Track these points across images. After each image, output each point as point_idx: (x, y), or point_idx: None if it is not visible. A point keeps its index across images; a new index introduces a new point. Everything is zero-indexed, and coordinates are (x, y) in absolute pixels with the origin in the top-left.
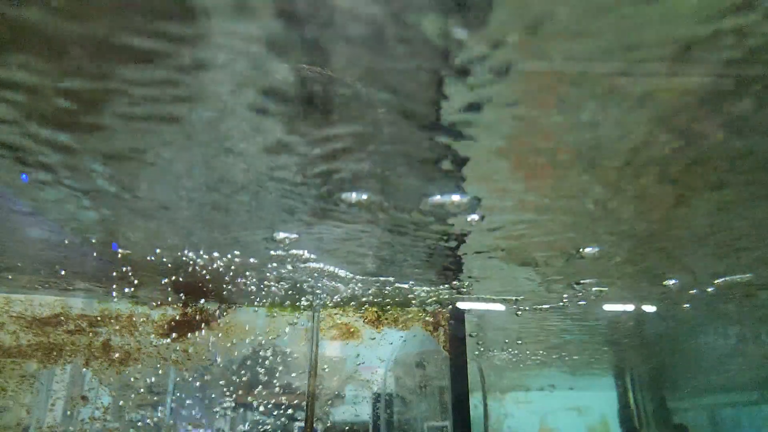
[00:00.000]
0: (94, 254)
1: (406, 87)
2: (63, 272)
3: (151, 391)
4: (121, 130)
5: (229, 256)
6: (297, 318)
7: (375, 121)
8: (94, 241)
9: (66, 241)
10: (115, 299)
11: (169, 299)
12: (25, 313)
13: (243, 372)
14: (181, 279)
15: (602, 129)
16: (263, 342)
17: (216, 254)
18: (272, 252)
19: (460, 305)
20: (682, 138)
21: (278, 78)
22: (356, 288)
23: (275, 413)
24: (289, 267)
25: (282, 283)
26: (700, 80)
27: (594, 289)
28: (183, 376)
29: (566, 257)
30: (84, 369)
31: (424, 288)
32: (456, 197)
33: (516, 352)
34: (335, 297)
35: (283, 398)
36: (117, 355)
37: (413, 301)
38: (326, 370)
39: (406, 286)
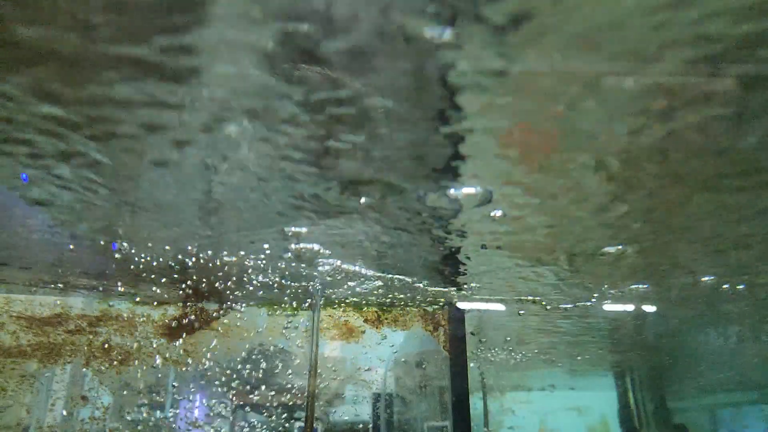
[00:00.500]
0: (95, 254)
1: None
2: (63, 272)
3: (150, 390)
4: (126, 121)
5: (225, 253)
6: (297, 317)
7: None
8: (94, 240)
9: (67, 241)
10: (115, 299)
11: (170, 299)
12: (25, 313)
13: (243, 372)
14: (181, 278)
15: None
16: (263, 342)
17: (216, 252)
18: (275, 250)
19: (460, 305)
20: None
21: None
22: (361, 285)
23: (275, 413)
24: (292, 262)
25: (284, 280)
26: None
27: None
28: (183, 376)
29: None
30: (84, 369)
31: (430, 289)
32: (466, 190)
33: (517, 351)
34: (337, 291)
35: (284, 398)
36: (117, 355)
37: (417, 297)
38: (333, 369)
39: (409, 279)
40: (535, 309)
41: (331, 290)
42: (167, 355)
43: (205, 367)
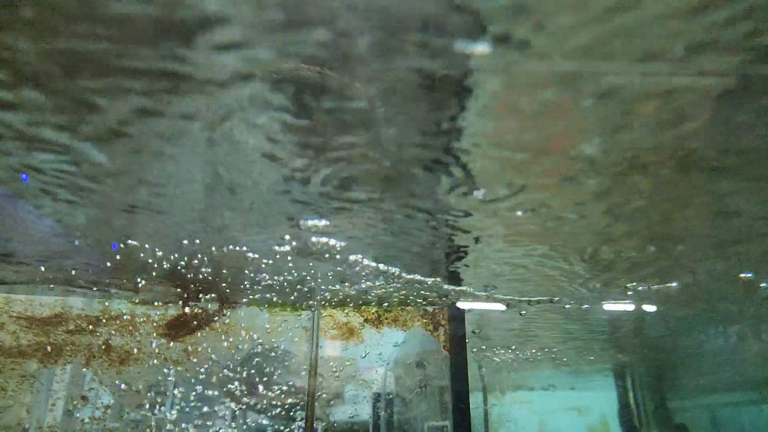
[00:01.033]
0: (96, 254)
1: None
2: (63, 272)
3: (150, 390)
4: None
5: (226, 252)
6: (297, 317)
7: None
8: (95, 239)
9: (67, 241)
10: (116, 299)
11: (170, 298)
12: (25, 313)
13: (243, 371)
14: (181, 278)
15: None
16: (263, 341)
17: (217, 251)
18: (277, 246)
19: (460, 305)
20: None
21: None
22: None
23: (275, 413)
24: (294, 257)
25: (285, 275)
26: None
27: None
28: (183, 376)
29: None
30: (84, 369)
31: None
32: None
33: (518, 350)
34: (339, 288)
35: (283, 398)
36: (117, 355)
37: (423, 293)
38: (334, 369)
39: (412, 277)
40: (538, 308)
41: (335, 287)
42: (167, 355)
43: (205, 366)
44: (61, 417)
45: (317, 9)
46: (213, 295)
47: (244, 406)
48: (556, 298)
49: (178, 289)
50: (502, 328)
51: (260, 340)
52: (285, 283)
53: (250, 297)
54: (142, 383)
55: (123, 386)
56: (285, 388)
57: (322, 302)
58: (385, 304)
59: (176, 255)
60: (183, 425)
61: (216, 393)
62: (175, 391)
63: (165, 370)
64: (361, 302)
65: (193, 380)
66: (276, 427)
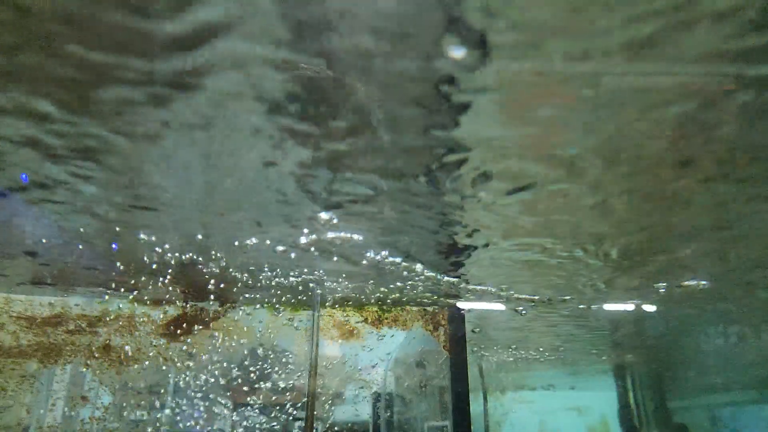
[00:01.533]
0: (96, 254)
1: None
2: (63, 272)
3: (150, 390)
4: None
5: (225, 251)
6: (297, 317)
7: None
8: (94, 239)
9: (68, 240)
10: (116, 299)
11: (170, 298)
12: (25, 313)
13: (244, 371)
14: (181, 278)
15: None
16: (263, 341)
17: (217, 250)
18: (278, 245)
19: (460, 305)
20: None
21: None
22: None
23: (275, 413)
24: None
25: (285, 279)
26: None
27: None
28: (183, 376)
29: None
30: (84, 369)
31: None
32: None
33: (518, 350)
34: (340, 282)
35: (283, 398)
36: (117, 355)
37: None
38: (333, 369)
39: (415, 267)
40: (540, 308)
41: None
42: (167, 355)
43: (205, 366)
44: (61, 417)
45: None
46: (213, 294)
47: (244, 406)
48: (569, 297)
49: (180, 289)
50: (504, 327)
51: (260, 340)
52: (286, 284)
53: (251, 297)
54: (142, 383)
55: (122, 387)
56: (284, 387)
57: (324, 303)
58: (391, 298)
59: (177, 254)
60: (182, 424)
61: (216, 392)
62: (175, 390)
63: (165, 370)
64: (361, 301)
65: (192, 379)
66: (275, 426)
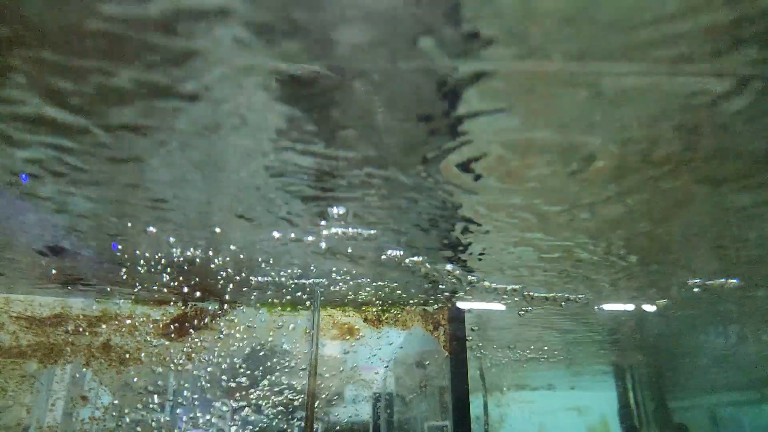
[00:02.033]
0: (97, 254)
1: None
2: (63, 272)
3: (150, 390)
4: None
5: (226, 250)
6: (297, 317)
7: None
8: (94, 239)
9: (69, 240)
10: (116, 299)
11: (171, 298)
12: (25, 313)
13: (243, 371)
14: (181, 277)
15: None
16: (263, 341)
17: (216, 250)
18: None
19: (460, 305)
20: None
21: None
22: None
23: (275, 413)
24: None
25: (285, 279)
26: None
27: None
28: (183, 376)
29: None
30: (84, 369)
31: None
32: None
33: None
34: (339, 280)
35: (283, 398)
36: (117, 355)
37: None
38: (333, 368)
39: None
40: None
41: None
42: (167, 355)
43: (205, 366)
44: (61, 417)
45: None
46: (213, 294)
47: (244, 405)
48: (582, 297)
49: (180, 289)
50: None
51: (260, 339)
52: (286, 284)
53: (251, 296)
54: (141, 382)
55: (122, 387)
56: (284, 387)
57: (323, 296)
58: (386, 304)
59: (178, 253)
60: (182, 424)
61: (216, 392)
62: (175, 390)
63: (165, 370)
64: (361, 300)
65: (192, 379)
66: (275, 426)
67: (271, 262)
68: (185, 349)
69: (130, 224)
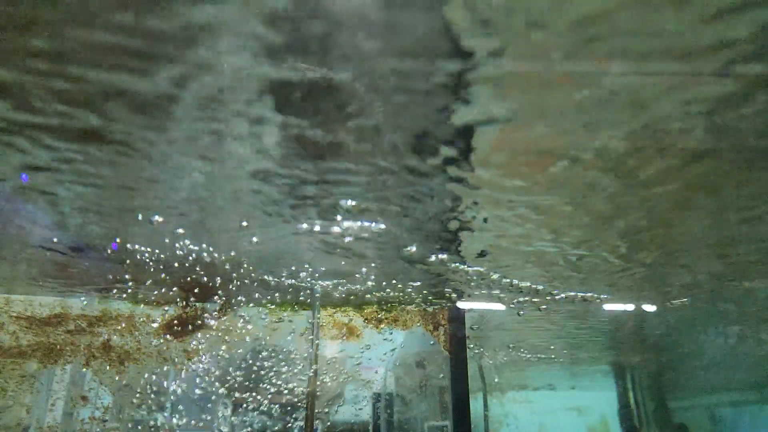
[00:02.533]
0: (97, 254)
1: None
2: (63, 272)
3: (150, 390)
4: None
5: (226, 250)
6: (297, 317)
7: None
8: (94, 239)
9: (69, 241)
10: (116, 299)
11: (171, 299)
12: (25, 313)
13: (244, 371)
14: (182, 277)
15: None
16: (263, 341)
17: (216, 250)
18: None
19: (460, 305)
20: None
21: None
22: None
23: (275, 413)
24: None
25: (285, 278)
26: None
27: None
28: (183, 376)
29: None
30: (84, 369)
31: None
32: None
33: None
34: (338, 280)
35: (283, 398)
36: (117, 355)
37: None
38: (333, 368)
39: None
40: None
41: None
42: (167, 355)
43: (205, 366)
44: (61, 417)
45: None
46: (213, 294)
47: (243, 405)
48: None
49: (180, 289)
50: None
51: (260, 340)
52: (286, 283)
53: (250, 296)
54: (141, 382)
55: (122, 386)
56: (284, 387)
57: (323, 295)
58: (386, 303)
59: (179, 251)
60: (182, 424)
61: (215, 392)
62: (175, 390)
63: (164, 370)
64: (361, 300)
65: (192, 379)
66: (275, 426)
67: (270, 261)
68: (185, 348)
69: (130, 224)
